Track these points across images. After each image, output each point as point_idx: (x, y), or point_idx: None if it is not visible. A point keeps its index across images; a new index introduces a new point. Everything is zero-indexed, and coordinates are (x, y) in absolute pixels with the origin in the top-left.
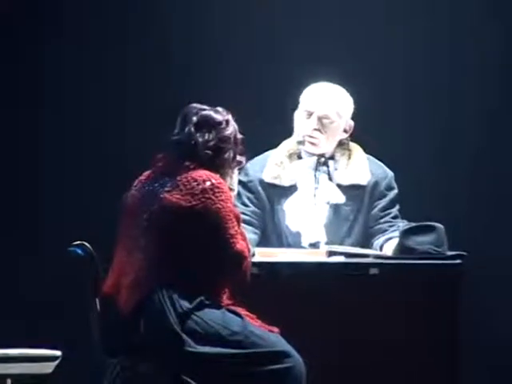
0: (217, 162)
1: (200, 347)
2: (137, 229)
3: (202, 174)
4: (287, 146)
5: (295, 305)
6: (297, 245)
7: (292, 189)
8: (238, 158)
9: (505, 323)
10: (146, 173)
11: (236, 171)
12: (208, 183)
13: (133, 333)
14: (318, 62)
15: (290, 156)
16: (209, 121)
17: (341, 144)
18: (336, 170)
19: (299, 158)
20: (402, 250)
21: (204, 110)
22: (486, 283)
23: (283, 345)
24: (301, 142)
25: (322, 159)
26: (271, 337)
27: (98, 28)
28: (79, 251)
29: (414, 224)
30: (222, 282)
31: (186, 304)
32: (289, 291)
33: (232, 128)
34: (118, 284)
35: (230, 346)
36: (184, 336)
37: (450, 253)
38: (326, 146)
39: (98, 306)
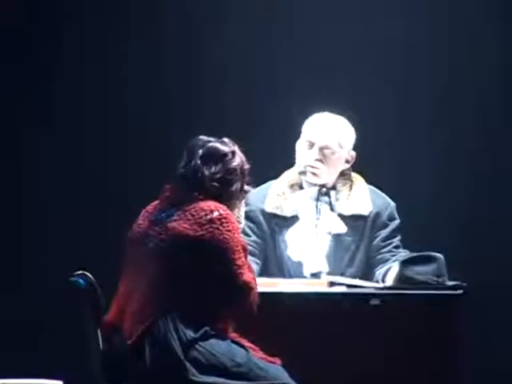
0: (224, 194)
1: (204, 377)
2: (143, 257)
3: (209, 204)
4: (289, 176)
5: (297, 335)
6: (298, 275)
7: (294, 219)
8: (246, 188)
9: (506, 352)
10: (153, 203)
11: (243, 203)
12: (216, 213)
13: (137, 361)
14: (320, 93)
15: (292, 186)
16: (215, 153)
17: (342, 174)
18: (338, 200)
19: (301, 188)
20: (402, 279)
21: (210, 141)
22: (486, 312)
23: (285, 378)
24: (302, 173)
25: (324, 189)
26: (274, 370)
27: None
28: (81, 281)
29: (414, 254)
30: (227, 313)
31: (190, 333)
32: (290, 321)
33: (239, 159)
34: (122, 312)
35: (233, 378)
36: (188, 365)
37: (450, 283)
38: (328, 176)
39: (102, 334)
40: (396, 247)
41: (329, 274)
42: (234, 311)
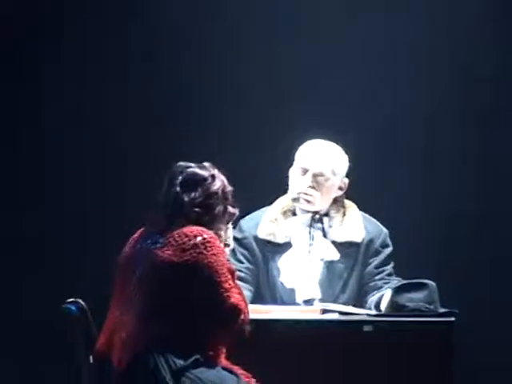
0: (207, 219)
1: None
2: (130, 286)
3: (193, 229)
4: (282, 202)
5: (289, 362)
6: (291, 302)
7: (286, 246)
8: (230, 210)
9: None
10: (139, 231)
11: (230, 226)
12: (199, 238)
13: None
14: (313, 120)
15: (285, 213)
16: (194, 178)
17: (335, 201)
18: (331, 227)
19: (294, 214)
20: (394, 306)
21: (189, 167)
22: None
23: None
24: (296, 199)
25: (317, 216)
26: None
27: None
28: (73, 308)
29: (406, 281)
30: (218, 339)
31: (180, 361)
32: (283, 349)
33: (219, 182)
34: (111, 341)
35: None
36: None
37: (442, 310)
38: (321, 203)
39: (93, 362)
40: (389, 275)
41: (321, 300)
42: (225, 336)
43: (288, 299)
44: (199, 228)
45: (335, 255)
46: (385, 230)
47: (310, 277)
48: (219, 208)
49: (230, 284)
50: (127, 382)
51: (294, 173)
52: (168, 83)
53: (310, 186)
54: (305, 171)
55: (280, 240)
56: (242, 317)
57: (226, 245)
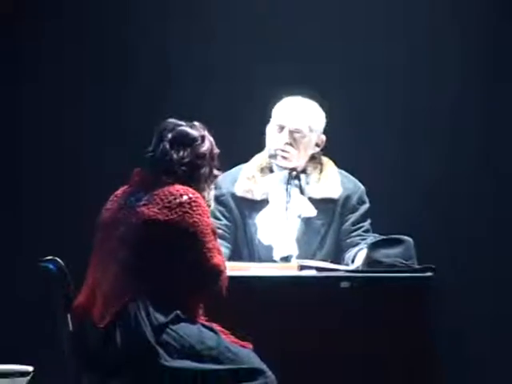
0: (193, 178)
1: (175, 361)
2: (113, 242)
3: (179, 188)
4: (259, 159)
5: (267, 319)
6: (268, 258)
7: (264, 203)
8: (215, 172)
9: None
10: (123, 188)
11: (212, 186)
12: (185, 197)
13: (107, 345)
14: (290, 77)
15: (262, 170)
16: (184, 137)
17: (312, 158)
18: (308, 183)
19: (271, 171)
20: (370, 262)
21: (180, 125)
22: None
23: (257, 361)
24: (272, 156)
25: (294, 173)
26: (245, 353)
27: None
28: (51, 266)
29: (382, 237)
30: (197, 297)
31: (161, 317)
32: (261, 305)
33: (208, 143)
34: (92, 297)
35: (204, 361)
36: (159, 349)
37: (418, 266)
38: (298, 160)
39: (73, 318)
40: (366, 231)
41: (299, 257)
42: (205, 295)
43: (265, 256)
44: (184, 187)
45: (312, 212)
46: (362, 187)
47: (288, 233)
48: (205, 169)
49: (212, 244)
50: (108, 339)
51: (270, 130)
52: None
53: (286, 143)
54: (281, 128)
55: (257, 197)
56: (222, 278)
57: (208, 205)
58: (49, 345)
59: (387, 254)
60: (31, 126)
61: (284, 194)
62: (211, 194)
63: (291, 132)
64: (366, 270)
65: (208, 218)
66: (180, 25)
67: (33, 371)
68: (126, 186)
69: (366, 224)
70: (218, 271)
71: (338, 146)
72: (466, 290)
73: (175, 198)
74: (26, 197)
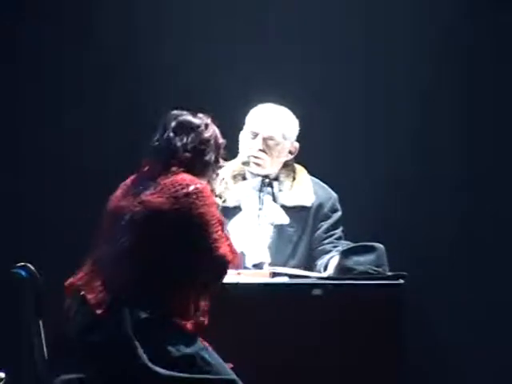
0: (198, 165)
1: (153, 365)
2: (117, 229)
3: (185, 178)
4: (232, 166)
5: (238, 325)
6: (240, 266)
7: (236, 209)
8: (221, 161)
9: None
10: (131, 177)
11: (221, 178)
12: (192, 187)
13: (95, 332)
14: (264, 83)
15: (235, 177)
16: (187, 124)
17: (285, 165)
18: (280, 191)
19: (244, 178)
20: (342, 270)
21: (182, 115)
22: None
23: (232, 374)
24: (245, 163)
25: (267, 180)
26: (223, 364)
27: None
28: (22, 273)
29: (354, 244)
30: (200, 289)
31: (143, 314)
32: (232, 312)
33: (212, 131)
34: (90, 281)
35: (180, 367)
36: (139, 348)
37: (390, 273)
38: (271, 167)
39: (69, 301)
40: (338, 238)
41: (271, 264)
42: (208, 288)
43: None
44: (191, 177)
45: (285, 219)
46: (334, 195)
47: (260, 241)
48: (210, 156)
49: (219, 235)
50: (103, 325)
51: (244, 136)
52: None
53: (260, 150)
54: (255, 135)
55: (230, 204)
56: (228, 267)
57: (218, 196)
58: (21, 350)
59: (359, 262)
60: (31, 126)
61: (257, 201)
62: (217, 184)
63: (265, 139)
64: (337, 277)
65: (214, 208)
66: (179, 25)
67: (5, 377)
68: (134, 176)
69: (339, 232)
70: (224, 261)
71: (311, 153)
72: (438, 297)
73: (182, 188)
74: (28, 197)
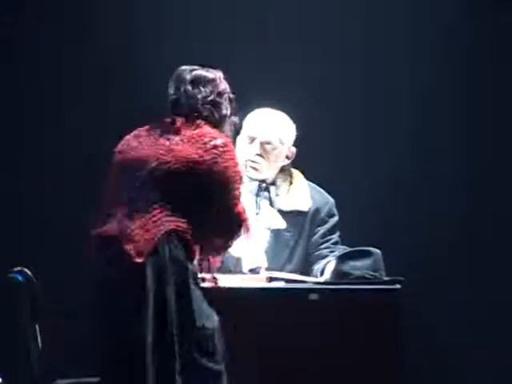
0: (217, 117)
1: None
2: (141, 179)
3: (211, 131)
4: None
5: (237, 330)
6: (237, 270)
7: None
8: (233, 118)
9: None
10: (142, 128)
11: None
12: (219, 141)
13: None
14: (264, 83)
15: None
16: (203, 77)
17: (282, 170)
18: (277, 195)
19: None
20: (338, 274)
21: (195, 69)
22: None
23: None
24: (243, 167)
25: (264, 185)
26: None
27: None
28: (19, 277)
29: (350, 249)
30: (216, 243)
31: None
32: (229, 317)
33: (225, 84)
34: (124, 230)
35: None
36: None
37: (387, 278)
38: (268, 171)
39: (98, 244)
40: (335, 243)
41: (268, 269)
42: (226, 240)
43: (235, 268)
44: (216, 131)
45: (282, 224)
46: (331, 200)
47: (257, 245)
48: (226, 110)
49: (239, 192)
50: (143, 273)
51: (241, 141)
52: None
53: (257, 154)
54: (252, 139)
55: None
56: (245, 225)
57: None
58: (17, 355)
59: (356, 266)
60: (31, 126)
61: (253, 205)
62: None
63: (262, 144)
64: (334, 282)
65: (238, 165)
66: (179, 25)
67: (1, 382)
68: (148, 127)
69: (335, 236)
70: (240, 219)
71: (310, 153)
72: (438, 297)
73: (210, 140)
74: (27, 197)
